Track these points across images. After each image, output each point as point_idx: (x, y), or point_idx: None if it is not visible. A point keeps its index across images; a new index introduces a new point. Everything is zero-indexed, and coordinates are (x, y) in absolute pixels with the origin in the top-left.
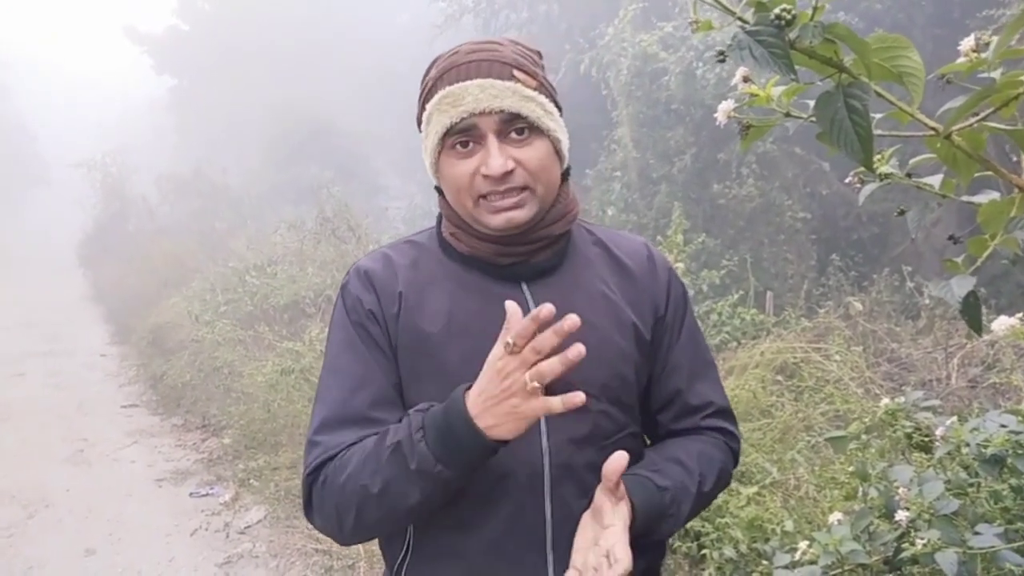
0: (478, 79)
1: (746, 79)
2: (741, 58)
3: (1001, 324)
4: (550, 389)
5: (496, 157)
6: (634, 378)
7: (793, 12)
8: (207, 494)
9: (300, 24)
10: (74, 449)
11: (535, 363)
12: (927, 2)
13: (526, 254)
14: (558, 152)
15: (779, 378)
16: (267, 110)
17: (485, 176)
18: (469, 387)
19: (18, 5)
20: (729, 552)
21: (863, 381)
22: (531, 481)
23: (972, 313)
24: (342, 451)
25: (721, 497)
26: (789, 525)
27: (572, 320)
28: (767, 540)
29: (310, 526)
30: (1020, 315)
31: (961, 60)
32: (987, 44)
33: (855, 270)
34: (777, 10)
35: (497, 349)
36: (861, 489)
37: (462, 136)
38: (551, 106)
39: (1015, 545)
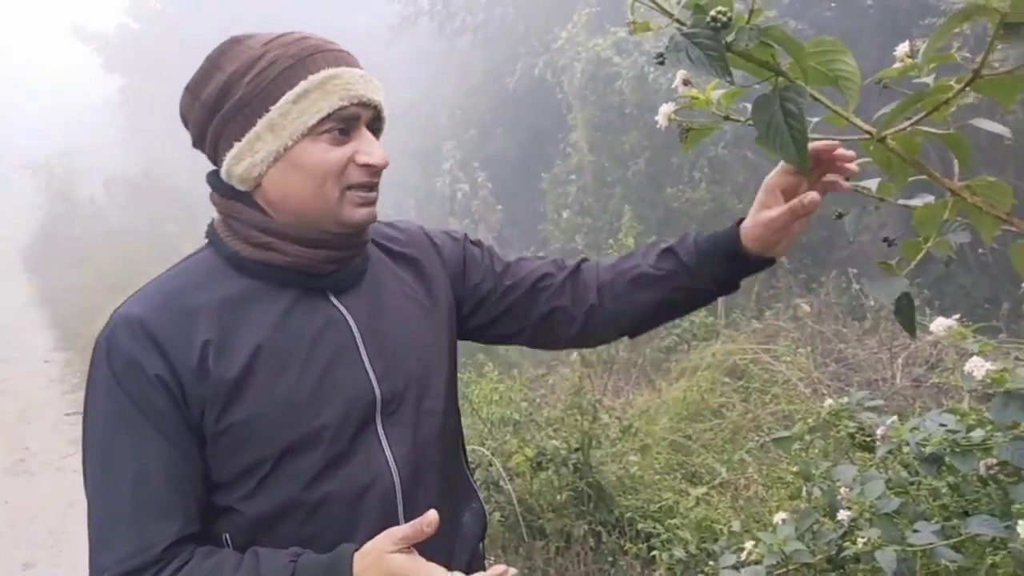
0: (355, 68)
1: (686, 82)
2: (678, 59)
3: (939, 325)
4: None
5: (379, 147)
6: (448, 362)
7: (729, 15)
8: None
9: (255, 22)
10: (15, 459)
11: None
12: (874, 10)
13: (347, 259)
14: None
15: (727, 380)
16: None
17: (364, 166)
18: (356, 549)
19: None
20: (679, 553)
21: (811, 381)
22: (384, 499)
23: (906, 314)
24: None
25: (671, 498)
26: (736, 525)
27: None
28: (716, 540)
29: None
30: (957, 316)
31: (896, 66)
32: (919, 50)
33: (804, 272)
34: (713, 12)
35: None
36: (805, 489)
37: (342, 123)
38: None
39: (950, 541)
